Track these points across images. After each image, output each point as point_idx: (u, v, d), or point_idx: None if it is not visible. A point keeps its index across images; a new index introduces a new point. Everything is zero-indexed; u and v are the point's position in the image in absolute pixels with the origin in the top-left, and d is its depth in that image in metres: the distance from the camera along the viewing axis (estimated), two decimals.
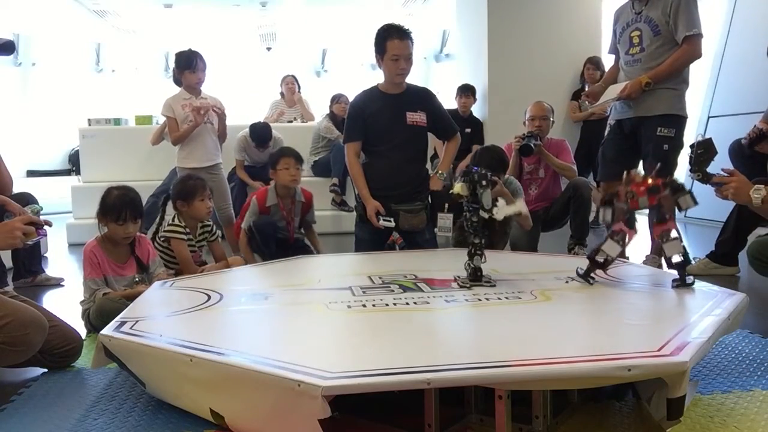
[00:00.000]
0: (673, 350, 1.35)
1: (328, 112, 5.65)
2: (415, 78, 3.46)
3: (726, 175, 2.11)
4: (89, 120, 5.61)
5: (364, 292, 2.06)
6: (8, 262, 3.37)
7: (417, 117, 3.24)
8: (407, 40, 3.12)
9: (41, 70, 9.19)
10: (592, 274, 2.12)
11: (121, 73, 10.37)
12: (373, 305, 1.89)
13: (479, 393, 1.52)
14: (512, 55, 5.79)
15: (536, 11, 5.83)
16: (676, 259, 2.05)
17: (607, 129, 3.90)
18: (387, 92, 3.27)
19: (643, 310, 1.88)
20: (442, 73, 10.07)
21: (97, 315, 2.33)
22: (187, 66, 3.75)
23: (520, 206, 2.26)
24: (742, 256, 3.01)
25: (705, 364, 1.87)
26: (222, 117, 3.85)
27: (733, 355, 1.98)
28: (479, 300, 1.93)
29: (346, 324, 1.79)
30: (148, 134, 5.23)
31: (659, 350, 1.36)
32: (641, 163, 3.34)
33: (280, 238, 3.46)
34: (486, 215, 2.11)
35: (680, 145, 3.24)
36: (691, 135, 3.45)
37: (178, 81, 3.84)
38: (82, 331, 2.31)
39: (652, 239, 3.13)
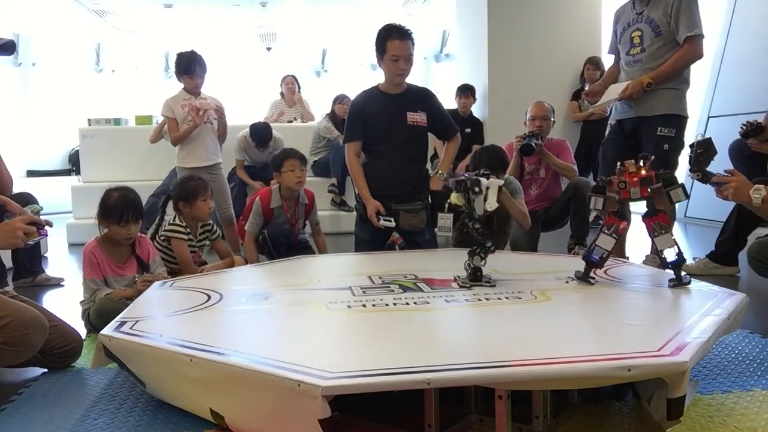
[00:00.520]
0: (673, 350, 1.36)
1: (328, 111, 5.65)
2: (415, 78, 3.46)
3: (726, 175, 2.11)
4: (89, 120, 5.61)
5: (364, 292, 2.06)
6: (8, 262, 3.37)
7: (417, 117, 3.24)
8: (407, 41, 3.12)
9: (41, 70, 9.19)
10: (592, 274, 2.12)
11: (121, 73, 10.37)
12: (373, 305, 1.89)
13: (479, 393, 1.52)
14: (512, 55, 5.79)
15: (536, 11, 5.83)
16: (669, 253, 2.05)
17: (608, 129, 3.90)
18: (387, 92, 3.27)
19: (643, 310, 1.88)
20: (442, 73, 10.07)
21: (97, 315, 2.34)
22: (186, 71, 3.77)
23: (501, 180, 2.23)
24: (742, 256, 3.01)
25: (705, 364, 1.87)
26: (222, 117, 3.85)
27: (733, 355, 1.97)
28: (479, 300, 1.93)
29: (346, 324, 1.79)
30: (148, 134, 5.24)
31: (659, 350, 1.36)
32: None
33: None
34: (484, 214, 2.11)
35: (681, 145, 3.24)
36: (691, 135, 3.44)
37: (179, 80, 3.86)
38: (82, 331, 2.31)
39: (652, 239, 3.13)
